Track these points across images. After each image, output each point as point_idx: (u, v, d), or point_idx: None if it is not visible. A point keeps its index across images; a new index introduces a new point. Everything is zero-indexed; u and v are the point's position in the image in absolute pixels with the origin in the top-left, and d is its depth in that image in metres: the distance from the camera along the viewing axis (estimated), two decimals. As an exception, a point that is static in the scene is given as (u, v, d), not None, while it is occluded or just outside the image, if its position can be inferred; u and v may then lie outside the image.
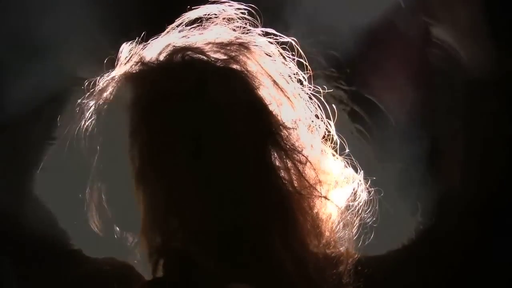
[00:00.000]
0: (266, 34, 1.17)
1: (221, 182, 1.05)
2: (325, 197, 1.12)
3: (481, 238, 1.24)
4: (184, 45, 1.13)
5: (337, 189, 1.14)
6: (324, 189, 1.12)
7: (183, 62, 1.11)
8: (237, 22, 1.16)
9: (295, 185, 1.09)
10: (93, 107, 1.15)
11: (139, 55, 1.15)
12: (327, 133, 1.16)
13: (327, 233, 1.12)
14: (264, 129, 1.09)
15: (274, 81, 1.13)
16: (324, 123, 1.16)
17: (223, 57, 1.12)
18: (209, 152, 1.06)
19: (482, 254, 1.26)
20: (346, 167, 1.16)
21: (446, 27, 1.21)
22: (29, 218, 1.20)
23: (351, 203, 1.14)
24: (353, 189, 1.14)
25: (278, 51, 1.17)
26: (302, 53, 1.16)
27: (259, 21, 1.16)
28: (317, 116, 1.16)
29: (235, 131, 1.07)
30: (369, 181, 1.16)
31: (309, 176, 1.11)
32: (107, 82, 1.15)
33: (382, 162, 1.22)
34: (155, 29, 1.16)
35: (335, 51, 1.24)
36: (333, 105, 1.17)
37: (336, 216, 1.13)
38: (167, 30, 1.17)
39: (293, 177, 1.09)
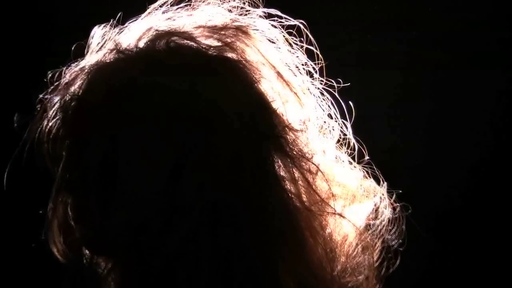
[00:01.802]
0: (269, 16, 1.10)
1: (213, 195, 0.98)
2: (340, 215, 1.04)
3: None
4: (169, 29, 1.06)
5: (355, 205, 1.07)
6: (339, 204, 1.05)
7: (168, 49, 1.04)
8: (234, 1, 1.10)
9: (304, 199, 1.02)
10: (57, 103, 1.07)
11: (114, 41, 1.07)
12: (342, 137, 1.10)
13: (342, 258, 1.05)
14: (266, 132, 1.02)
15: (279, 73, 1.06)
16: (339, 124, 1.10)
17: (216, 43, 1.05)
18: (198, 159, 0.99)
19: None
20: (366, 177, 1.09)
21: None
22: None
23: (372, 222, 1.07)
24: (375, 205, 1.08)
25: (284, 36, 1.10)
26: (312, 39, 1.10)
27: (260, 0, 1.10)
28: (330, 116, 1.09)
29: (231, 134, 1.00)
30: (394, 195, 1.08)
31: (320, 189, 1.04)
32: (75, 74, 1.07)
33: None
34: (134, 9, 1.10)
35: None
36: (350, 102, 1.10)
37: (354, 238, 1.06)
38: (148, 10, 1.10)
39: (301, 189, 1.03)
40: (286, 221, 1.00)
